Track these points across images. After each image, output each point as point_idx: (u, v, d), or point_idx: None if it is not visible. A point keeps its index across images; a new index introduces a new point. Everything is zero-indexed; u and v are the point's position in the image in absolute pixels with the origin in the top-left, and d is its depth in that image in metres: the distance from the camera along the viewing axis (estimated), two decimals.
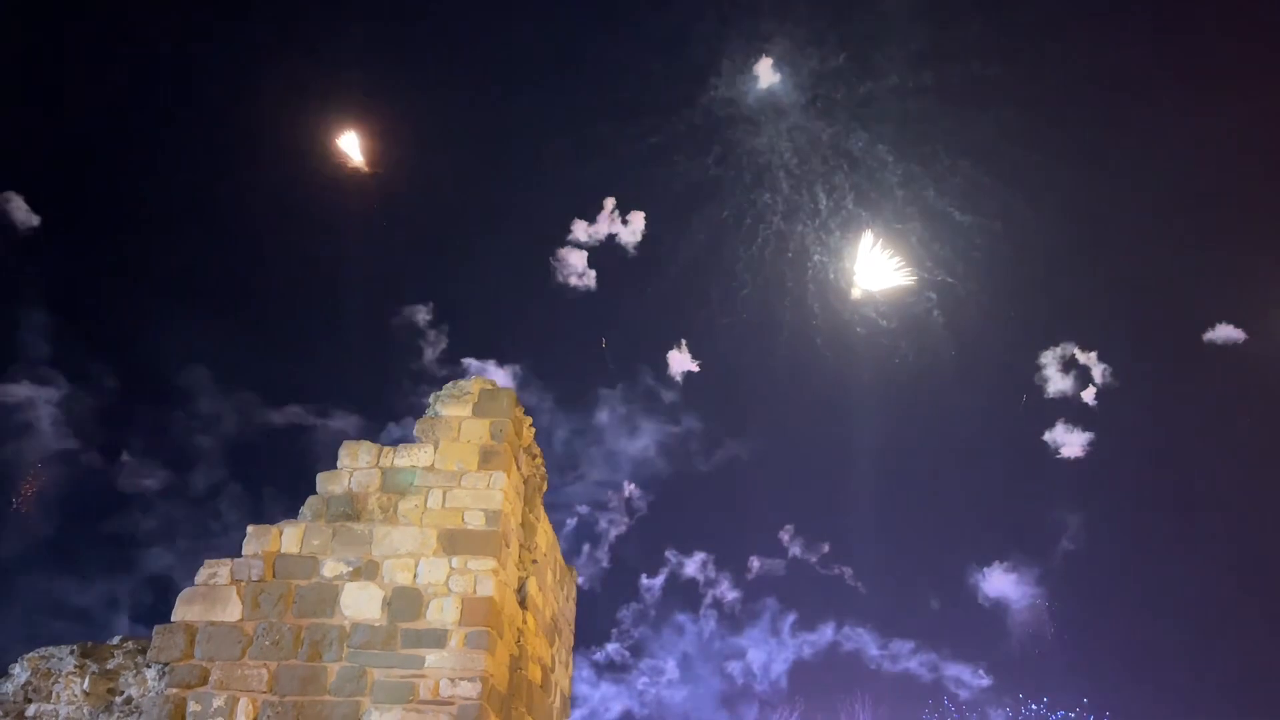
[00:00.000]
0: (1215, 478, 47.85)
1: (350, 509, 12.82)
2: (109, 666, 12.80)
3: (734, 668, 47.70)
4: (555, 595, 16.27)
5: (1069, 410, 49.92)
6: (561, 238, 53.30)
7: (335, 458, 13.32)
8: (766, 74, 53.22)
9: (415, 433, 13.39)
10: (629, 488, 51.59)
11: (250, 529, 12.84)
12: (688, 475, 52.24)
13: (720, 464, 51.86)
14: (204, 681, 11.94)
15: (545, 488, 15.41)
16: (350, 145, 49.03)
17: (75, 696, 12.54)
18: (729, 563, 50.34)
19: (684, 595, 49.95)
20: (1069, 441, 49.83)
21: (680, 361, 52.98)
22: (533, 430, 14.56)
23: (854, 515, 50.62)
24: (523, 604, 13.70)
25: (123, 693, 12.48)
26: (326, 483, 13.10)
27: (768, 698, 46.56)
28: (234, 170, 48.95)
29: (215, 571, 12.61)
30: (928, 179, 51.47)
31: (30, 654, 13.16)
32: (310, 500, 13.02)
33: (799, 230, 53.38)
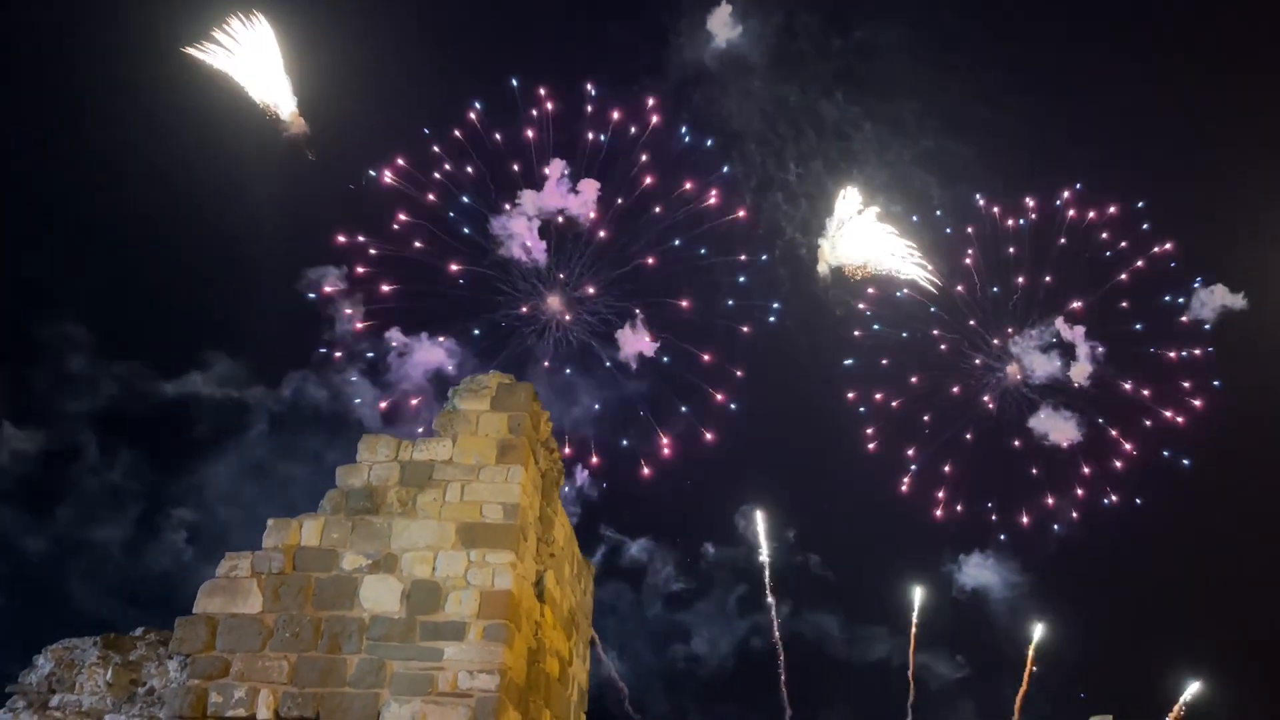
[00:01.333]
0: None
1: (369, 502, 12.88)
2: (131, 658, 12.94)
3: (678, 650, 47.07)
4: (573, 589, 16.31)
5: (1054, 394, 48.76)
6: (502, 207, 49.62)
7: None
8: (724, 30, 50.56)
9: (434, 426, 13.45)
10: (581, 476, 49.17)
11: (271, 522, 12.94)
12: (645, 459, 50.06)
13: (683, 446, 49.61)
14: (225, 673, 12.04)
15: (562, 481, 15.44)
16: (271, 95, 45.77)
17: (98, 687, 12.68)
18: (678, 547, 48.95)
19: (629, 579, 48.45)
20: (1055, 427, 48.44)
21: (635, 342, 50.08)
22: (550, 424, 14.59)
23: (824, 499, 49.17)
24: (540, 597, 13.74)
25: (145, 683, 12.61)
26: (346, 476, 13.17)
27: (712, 681, 45.99)
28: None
29: (236, 564, 12.71)
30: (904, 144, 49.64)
31: (54, 645, 13.32)
32: (329, 493, 13.10)
33: (765, 201, 51.51)
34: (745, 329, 50.09)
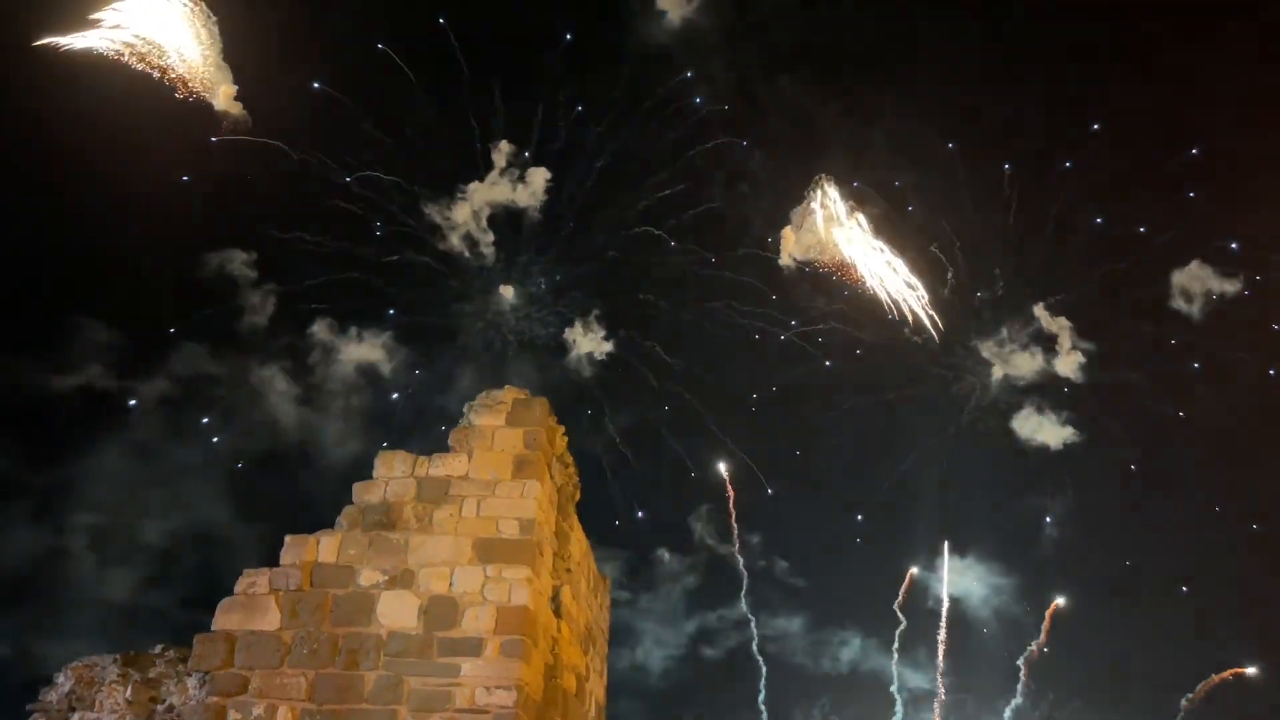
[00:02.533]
0: None
1: (386, 518, 12.92)
2: (150, 675, 12.98)
3: (631, 657, 45.28)
4: (589, 604, 16.28)
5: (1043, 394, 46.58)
6: (447, 195, 46.29)
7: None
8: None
9: (450, 441, 13.49)
10: None
11: (288, 539, 12.99)
12: (606, 459, 47.79)
13: (642, 449, 47.54)
14: (244, 690, 12.06)
15: (578, 496, 15.45)
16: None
17: (118, 705, 12.72)
18: (639, 557, 46.64)
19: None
20: (1041, 427, 46.24)
21: (589, 344, 47.24)
22: (565, 439, 14.61)
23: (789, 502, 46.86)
24: (557, 613, 13.73)
25: (164, 701, 12.64)
26: (362, 492, 13.22)
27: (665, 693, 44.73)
28: None
29: (254, 581, 12.75)
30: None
31: (74, 663, 13.37)
32: (346, 509, 13.15)
33: (721, 190, 48.54)
34: (711, 327, 47.75)
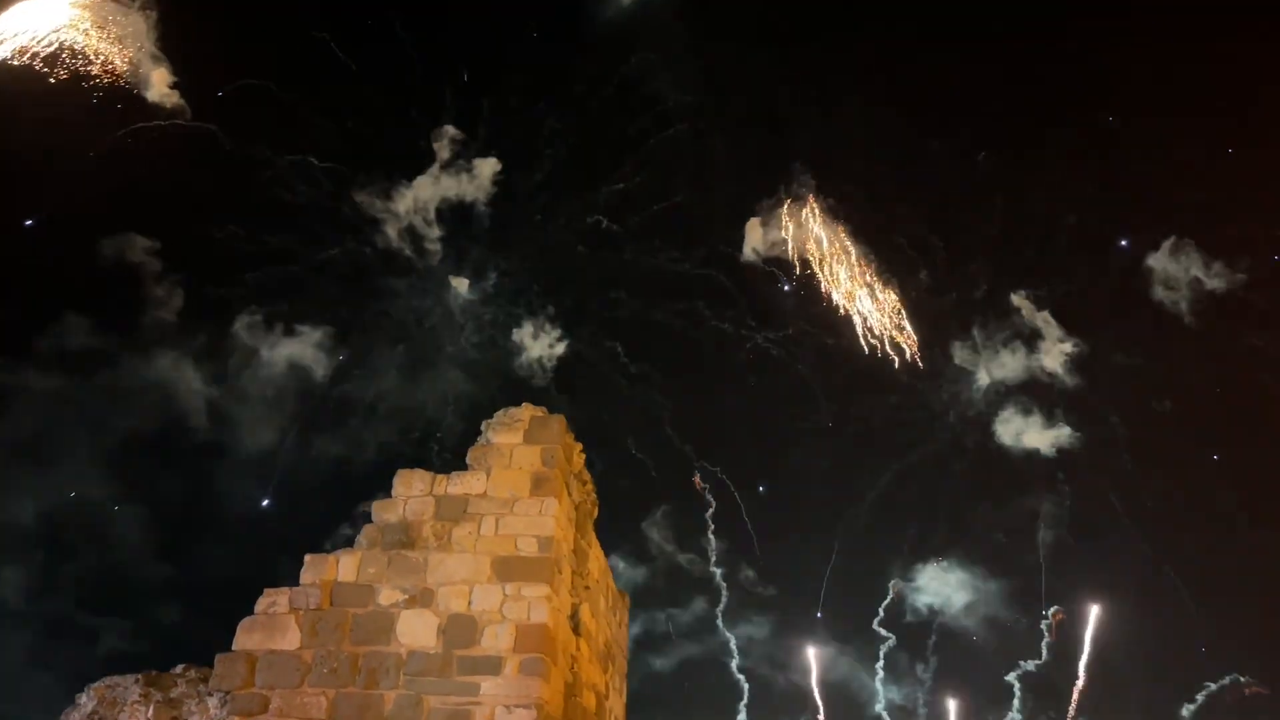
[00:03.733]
0: None
1: (405, 537, 12.95)
2: (172, 695, 13.02)
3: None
4: (608, 621, 16.24)
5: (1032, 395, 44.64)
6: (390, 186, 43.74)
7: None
8: None
9: (468, 460, 13.52)
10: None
11: (308, 558, 13.03)
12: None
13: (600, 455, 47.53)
14: (264, 709, 12.08)
15: (596, 514, 15.44)
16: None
17: None
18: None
19: None
20: (1028, 429, 44.29)
21: (540, 346, 44.92)
22: (583, 456, 14.62)
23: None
24: (576, 630, 13.70)
25: None
26: (381, 511, 13.26)
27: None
28: None
29: (274, 600, 12.80)
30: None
31: (96, 683, 13.43)
32: (365, 528, 13.20)
33: (693, 183, 46.16)
34: (676, 328, 45.29)
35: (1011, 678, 40.52)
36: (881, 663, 41.66)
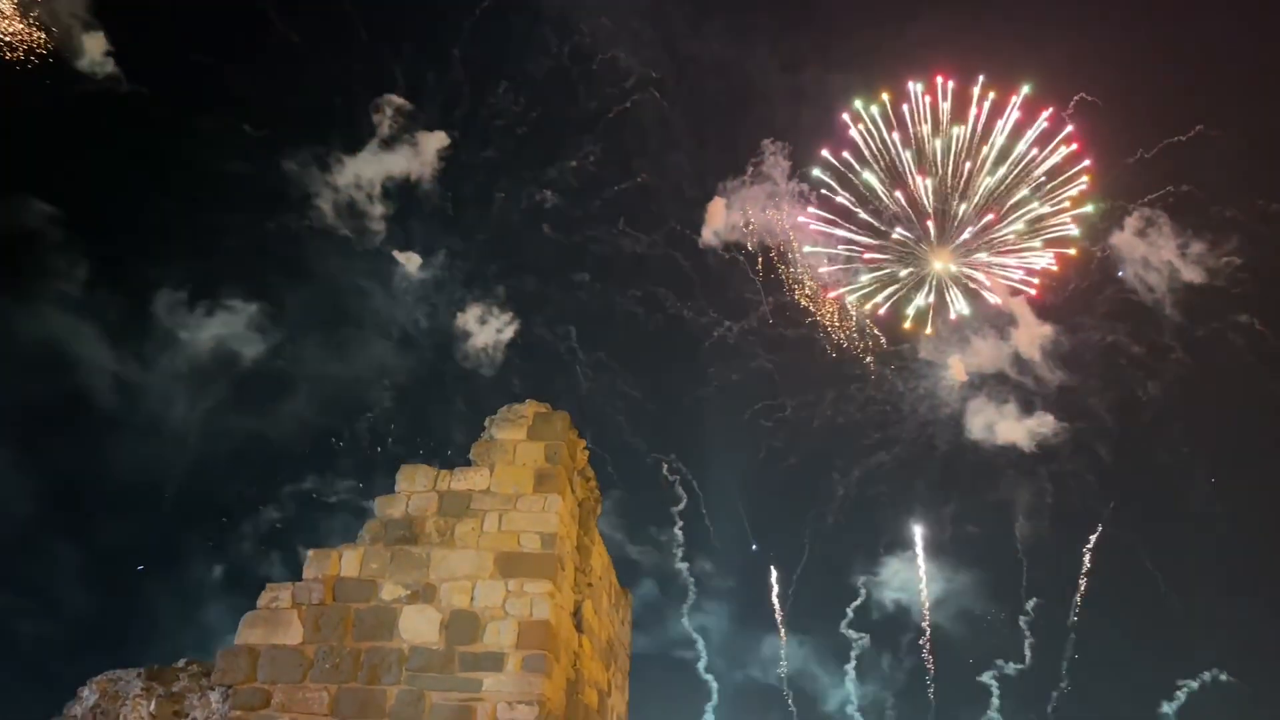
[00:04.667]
0: None
1: (408, 532, 12.91)
2: (174, 689, 13.01)
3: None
4: (611, 619, 16.20)
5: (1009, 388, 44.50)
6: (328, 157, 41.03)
7: None
8: None
9: (471, 456, 13.48)
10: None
11: (310, 553, 13.00)
12: None
13: None
14: (266, 704, 12.06)
15: (599, 511, 15.39)
16: None
17: (142, 719, 12.75)
18: None
19: None
20: (1001, 421, 44.03)
21: (488, 333, 43.53)
22: (586, 453, 14.58)
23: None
24: (579, 627, 13.66)
25: (188, 715, 12.65)
26: (384, 507, 13.23)
27: None
28: None
29: (276, 595, 12.77)
30: None
31: (98, 677, 13.42)
32: (368, 524, 13.16)
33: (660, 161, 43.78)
34: (633, 313, 43.94)
35: (988, 676, 40.23)
36: (853, 663, 41.27)
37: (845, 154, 47.42)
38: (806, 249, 46.20)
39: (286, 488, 41.38)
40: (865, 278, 46.84)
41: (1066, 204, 47.00)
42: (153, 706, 12.77)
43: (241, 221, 42.29)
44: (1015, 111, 46.15)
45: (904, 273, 47.07)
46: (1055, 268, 47.53)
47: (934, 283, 47.32)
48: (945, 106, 46.52)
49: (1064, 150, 46.13)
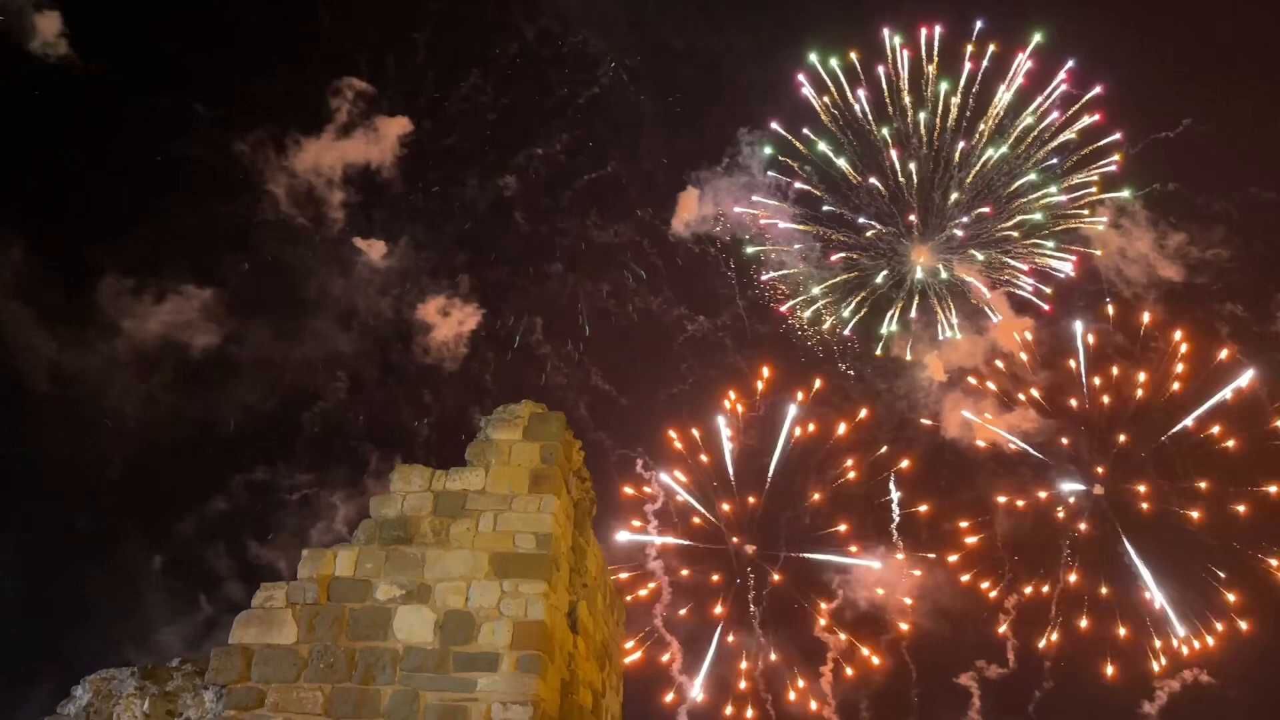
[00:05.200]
0: None
1: (403, 532, 12.91)
2: (168, 688, 13.00)
3: None
4: (605, 620, 16.21)
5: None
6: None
7: None
8: None
9: (467, 456, 13.49)
10: None
11: (305, 553, 13.01)
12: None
13: None
14: (260, 704, 12.05)
15: (595, 512, 15.41)
16: None
17: (136, 718, 12.73)
18: None
19: None
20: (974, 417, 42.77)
21: (449, 326, 41.34)
22: (582, 454, 14.59)
23: None
24: (573, 628, 13.67)
25: (181, 714, 12.65)
26: (380, 506, 13.23)
27: None
28: None
29: (271, 595, 12.77)
30: None
31: (92, 675, 13.41)
32: (363, 524, 13.17)
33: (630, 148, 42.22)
34: (602, 307, 42.06)
35: (968, 677, 39.88)
36: (829, 665, 40.92)
37: (807, 130, 43.86)
38: (760, 248, 43.91)
39: (235, 478, 40.00)
40: (818, 289, 44.29)
41: (1092, 189, 42.92)
42: (146, 705, 12.76)
43: (193, 205, 40.71)
44: (1022, 72, 41.82)
45: (879, 277, 44.50)
46: (1073, 273, 43.64)
47: (913, 288, 44.67)
48: (930, 70, 43.04)
49: (1080, 122, 41.56)
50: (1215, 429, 41.20)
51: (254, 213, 40.97)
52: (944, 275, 45.04)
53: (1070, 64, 42.34)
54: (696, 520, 42.08)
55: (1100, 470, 43.09)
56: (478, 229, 43.33)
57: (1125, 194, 42.74)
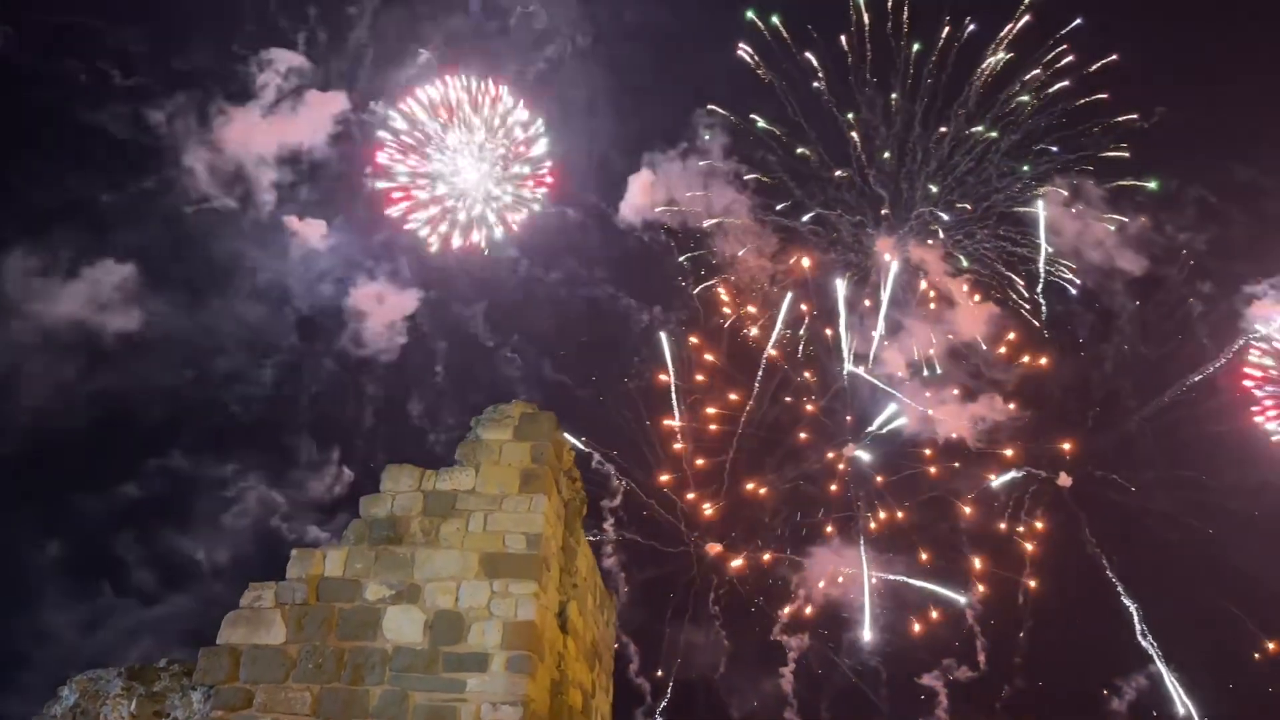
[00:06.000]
0: None
1: (393, 532, 12.87)
2: (155, 689, 12.91)
3: None
4: (595, 620, 16.19)
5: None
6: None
7: None
8: None
9: (457, 456, 13.45)
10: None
11: (294, 552, 12.94)
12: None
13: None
14: (248, 704, 11.99)
15: (585, 511, 15.39)
16: None
17: (123, 718, 12.65)
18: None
19: None
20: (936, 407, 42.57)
21: (383, 313, 40.10)
22: (572, 454, 14.57)
23: None
24: (563, 628, 13.65)
25: (169, 715, 12.56)
26: (369, 506, 13.18)
27: None
28: None
29: (260, 595, 12.70)
30: None
31: (79, 676, 13.31)
32: (353, 524, 13.11)
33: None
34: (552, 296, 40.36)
35: (933, 677, 39.65)
36: (790, 666, 40.63)
37: (756, 118, 41.79)
38: (698, 252, 42.48)
39: (150, 463, 39.04)
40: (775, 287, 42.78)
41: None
42: (133, 706, 12.68)
43: (109, 180, 39.09)
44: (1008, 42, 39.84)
45: (843, 282, 42.82)
46: (1074, 285, 42.59)
47: (879, 281, 42.89)
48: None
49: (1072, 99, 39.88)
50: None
51: (177, 188, 39.22)
52: (909, 266, 43.89)
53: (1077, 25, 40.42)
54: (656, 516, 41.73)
55: (1064, 458, 42.94)
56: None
57: (1154, 185, 41.60)
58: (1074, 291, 42.89)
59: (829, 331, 43.82)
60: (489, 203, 39.05)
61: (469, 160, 37.75)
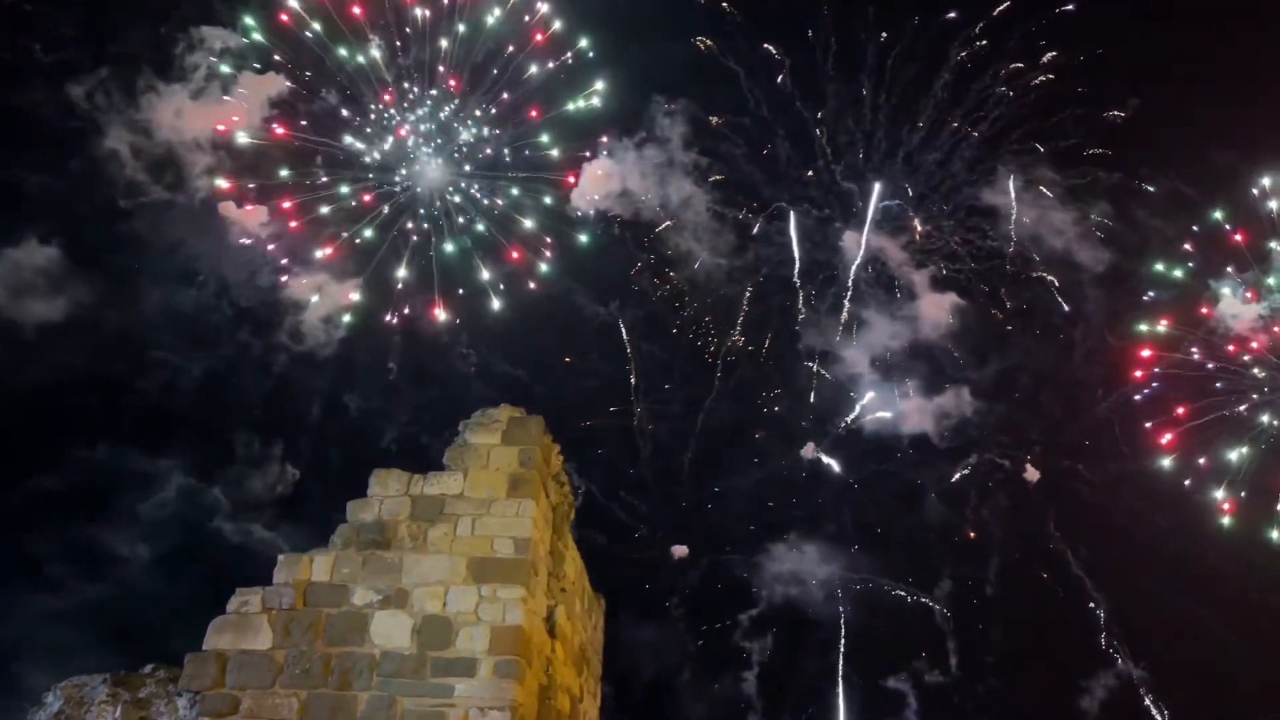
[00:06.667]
0: None
1: (380, 537, 12.85)
2: (141, 695, 12.85)
3: None
4: (583, 624, 16.19)
5: None
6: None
7: None
8: None
9: (445, 460, 13.43)
10: None
11: (281, 557, 12.90)
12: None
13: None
14: (235, 710, 11.94)
15: (573, 516, 15.39)
16: None
17: None
18: None
19: None
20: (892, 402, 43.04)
21: (322, 305, 37.98)
22: (561, 458, 14.57)
23: None
24: (552, 633, 13.65)
25: None
26: (357, 510, 13.15)
27: None
28: None
29: (246, 600, 12.66)
30: None
31: (64, 682, 13.24)
32: (340, 528, 13.08)
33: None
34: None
35: (902, 679, 39.55)
36: (755, 669, 40.46)
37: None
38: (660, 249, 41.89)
39: (71, 454, 37.92)
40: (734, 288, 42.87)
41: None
42: (119, 712, 12.60)
43: (31, 161, 37.26)
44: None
45: (804, 276, 42.72)
46: (1054, 282, 42.99)
47: (845, 276, 42.46)
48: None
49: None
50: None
51: (103, 171, 37.42)
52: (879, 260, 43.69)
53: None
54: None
55: (1029, 452, 43.01)
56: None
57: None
58: (1043, 283, 42.81)
59: (791, 327, 43.80)
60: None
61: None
